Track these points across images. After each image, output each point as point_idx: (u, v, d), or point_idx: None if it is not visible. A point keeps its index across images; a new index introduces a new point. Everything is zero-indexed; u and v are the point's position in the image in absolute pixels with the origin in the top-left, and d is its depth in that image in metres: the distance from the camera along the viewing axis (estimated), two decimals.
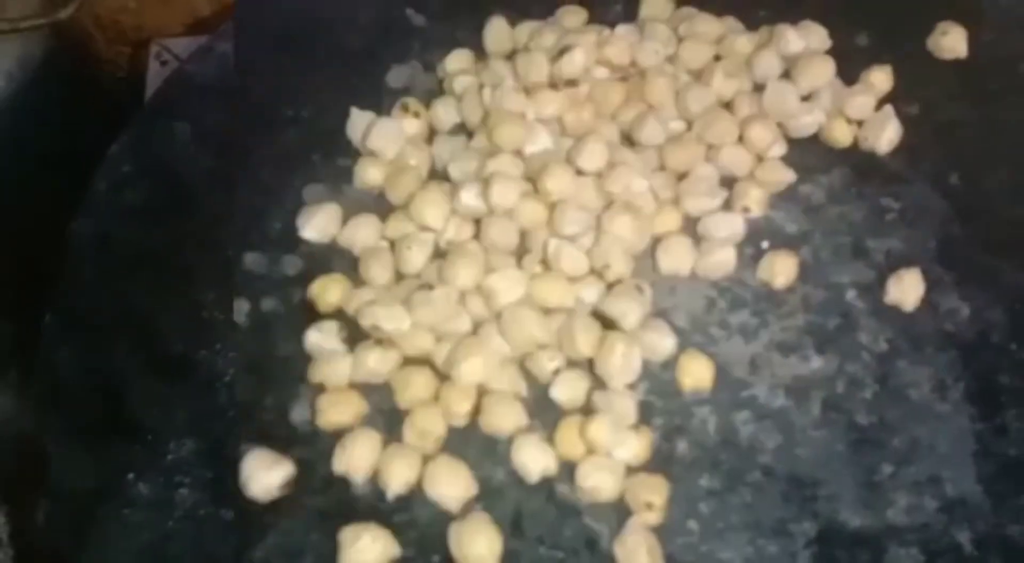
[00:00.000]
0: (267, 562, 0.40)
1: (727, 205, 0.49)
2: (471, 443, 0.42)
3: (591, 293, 0.46)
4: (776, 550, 0.40)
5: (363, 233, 0.47)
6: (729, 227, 0.48)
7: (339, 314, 0.45)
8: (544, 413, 0.43)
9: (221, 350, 0.46)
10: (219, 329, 0.46)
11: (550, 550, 0.40)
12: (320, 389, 0.43)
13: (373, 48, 0.54)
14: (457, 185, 0.48)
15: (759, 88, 0.52)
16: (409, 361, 0.44)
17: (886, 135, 0.50)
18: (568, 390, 0.43)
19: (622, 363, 0.43)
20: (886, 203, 0.50)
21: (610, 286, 0.46)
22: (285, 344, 0.45)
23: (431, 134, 0.52)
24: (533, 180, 0.48)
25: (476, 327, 0.44)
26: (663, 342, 0.45)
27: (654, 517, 0.40)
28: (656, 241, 0.48)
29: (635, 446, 0.41)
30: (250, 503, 0.41)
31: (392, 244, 0.47)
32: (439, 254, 0.47)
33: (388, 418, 0.43)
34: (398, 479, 0.40)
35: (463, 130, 0.52)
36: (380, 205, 0.49)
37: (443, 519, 0.40)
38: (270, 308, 0.46)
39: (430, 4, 0.56)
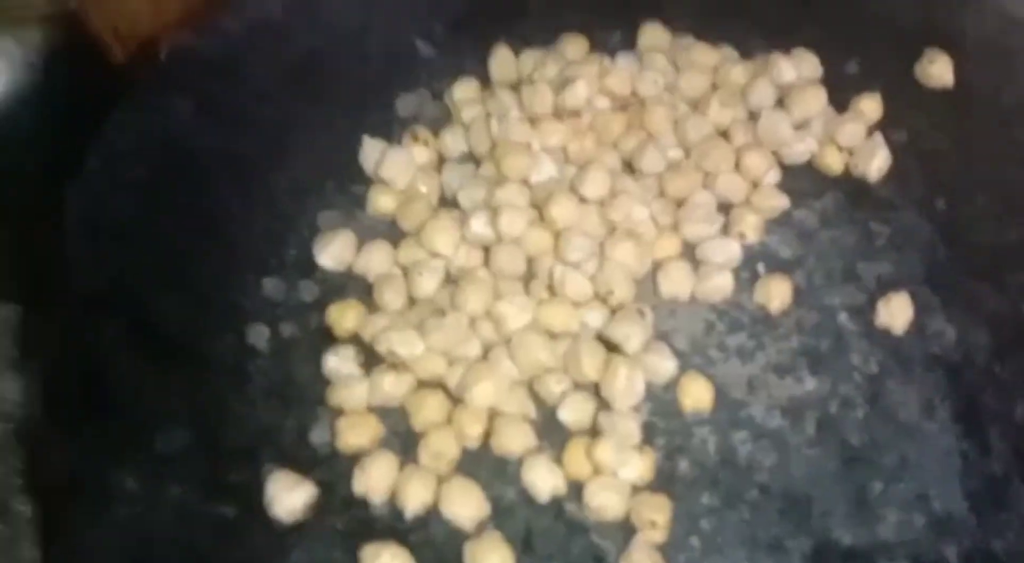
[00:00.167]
0: None
1: (724, 230, 0.51)
2: (483, 464, 0.44)
3: (595, 317, 0.48)
4: None
5: (377, 259, 0.49)
6: (726, 252, 0.50)
7: (355, 339, 0.47)
8: (552, 434, 0.45)
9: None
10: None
11: None
12: (338, 412, 0.45)
13: (382, 77, 0.56)
14: (466, 213, 0.50)
15: (754, 116, 0.54)
16: (423, 384, 0.46)
17: (875, 162, 0.53)
18: (575, 412, 0.45)
19: (626, 386, 0.45)
20: (876, 228, 0.52)
21: (613, 311, 0.48)
22: (304, 368, 0.46)
23: (440, 161, 0.54)
24: (539, 208, 0.50)
25: (486, 351, 0.46)
26: (664, 365, 0.47)
27: (658, 535, 0.42)
28: (657, 266, 0.50)
29: (639, 466, 0.44)
30: (261, 516, 0.42)
31: (404, 270, 0.49)
32: (450, 280, 0.49)
33: (403, 440, 0.45)
34: (415, 500, 0.42)
35: (471, 158, 0.53)
36: (393, 231, 0.51)
37: (458, 538, 0.42)
38: (289, 333, 0.48)
39: (437, 34, 0.58)
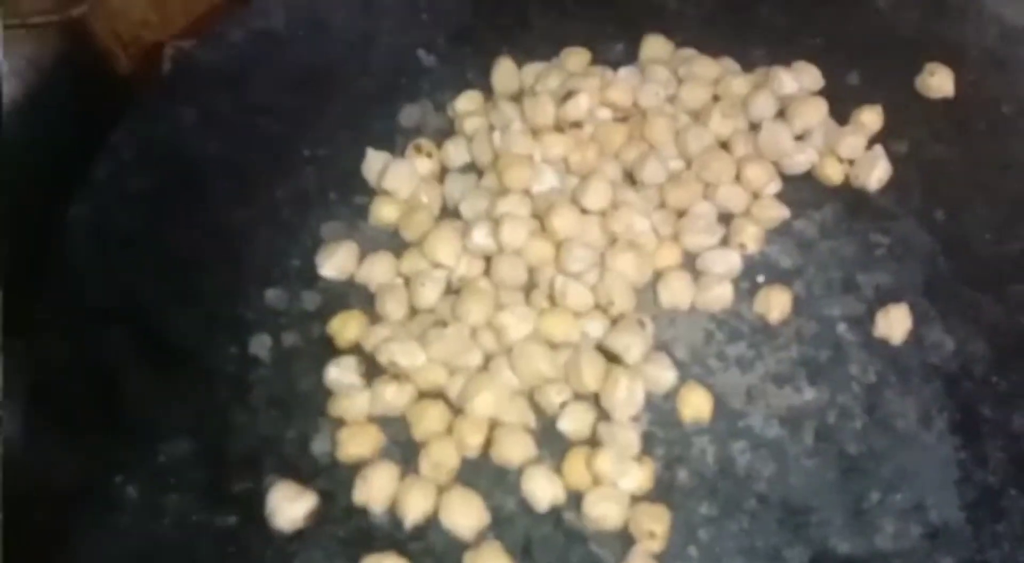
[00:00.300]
0: None
1: (725, 241, 0.51)
2: (483, 473, 0.44)
3: (596, 328, 0.48)
4: None
5: (379, 270, 0.50)
6: (726, 263, 0.51)
7: (357, 349, 0.48)
8: (552, 444, 0.45)
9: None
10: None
11: None
12: (340, 422, 0.45)
13: (385, 88, 0.57)
14: (468, 224, 0.51)
15: (755, 127, 0.54)
16: (424, 394, 0.46)
17: (876, 173, 0.53)
18: (575, 422, 0.45)
19: (626, 396, 0.45)
20: (875, 239, 0.52)
21: (614, 321, 0.48)
22: (306, 378, 0.47)
23: (443, 172, 0.54)
24: (540, 218, 0.50)
25: (487, 361, 0.47)
26: (664, 375, 0.47)
27: (656, 545, 0.42)
28: (657, 276, 0.50)
29: (638, 476, 0.44)
30: (263, 525, 0.42)
31: (407, 280, 0.50)
32: (452, 290, 0.49)
33: (404, 449, 0.45)
34: (415, 509, 0.43)
35: (473, 169, 0.54)
36: (395, 241, 0.52)
37: (458, 547, 0.42)
38: (291, 343, 0.48)
39: (439, 45, 0.58)
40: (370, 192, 0.53)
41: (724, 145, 0.54)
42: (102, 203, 0.51)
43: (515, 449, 0.44)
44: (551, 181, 0.52)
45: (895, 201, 0.53)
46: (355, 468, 0.44)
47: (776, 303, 0.49)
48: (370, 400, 0.45)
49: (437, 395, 0.46)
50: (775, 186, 0.53)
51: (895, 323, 0.49)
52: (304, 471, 0.44)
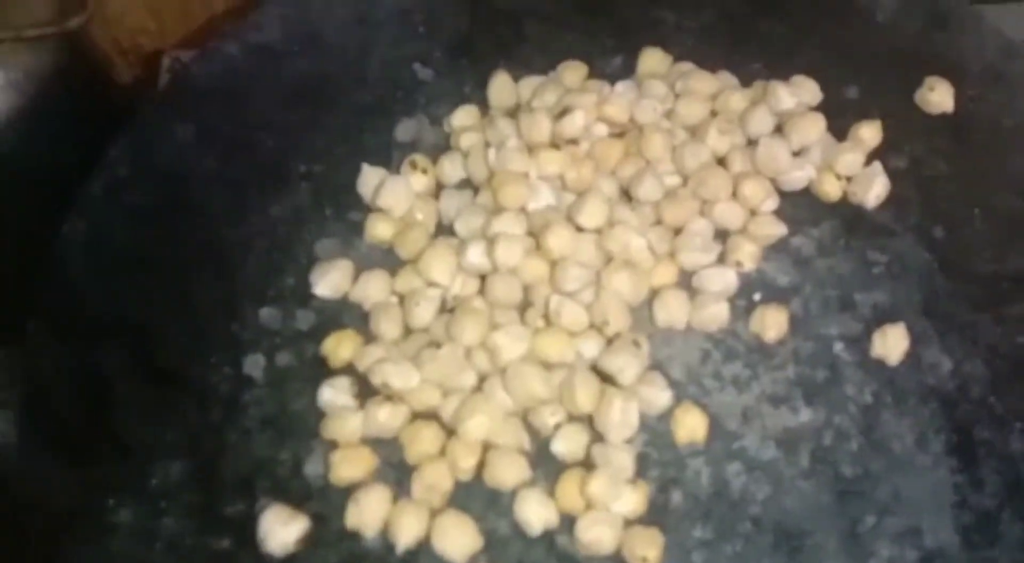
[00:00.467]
0: None
1: (721, 259, 0.51)
2: (476, 496, 0.44)
3: (591, 347, 0.48)
4: None
5: (374, 289, 0.49)
6: (722, 281, 0.50)
7: (351, 369, 0.47)
8: (546, 465, 0.45)
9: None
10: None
11: None
12: (333, 444, 0.45)
13: (381, 103, 0.56)
14: (463, 242, 0.50)
15: (753, 143, 0.54)
16: (418, 416, 0.46)
17: (874, 191, 0.52)
18: (569, 444, 0.45)
19: (620, 419, 0.45)
20: (873, 257, 0.52)
21: (609, 340, 0.48)
22: (299, 399, 0.47)
23: (439, 187, 0.54)
24: (536, 236, 0.50)
25: (481, 382, 0.47)
26: (659, 396, 0.47)
27: None
28: (653, 294, 0.50)
29: (632, 500, 0.44)
30: (255, 549, 0.42)
31: (401, 299, 0.49)
32: (446, 309, 0.49)
33: (398, 471, 0.45)
34: (407, 533, 0.42)
35: (469, 185, 0.54)
36: (391, 258, 0.51)
37: None
38: (284, 363, 0.48)
39: (436, 59, 0.58)
40: (366, 208, 0.53)
41: (721, 161, 0.54)
42: (97, 219, 0.51)
43: (508, 472, 0.44)
44: (547, 199, 0.51)
45: (893, 218, 0.53)
46: (348, 491, 0.44)
47: (772, 322, 0.49)
48: (363, 422, 0.45)
49: (431, 416, 0.46)
50: (772, 203, 0.53)
51: (892, 343, 0.48)
52: (297, 493, 0.44)
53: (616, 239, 0.50)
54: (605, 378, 0.47)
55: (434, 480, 0.44)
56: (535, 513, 0.43)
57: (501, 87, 0.56)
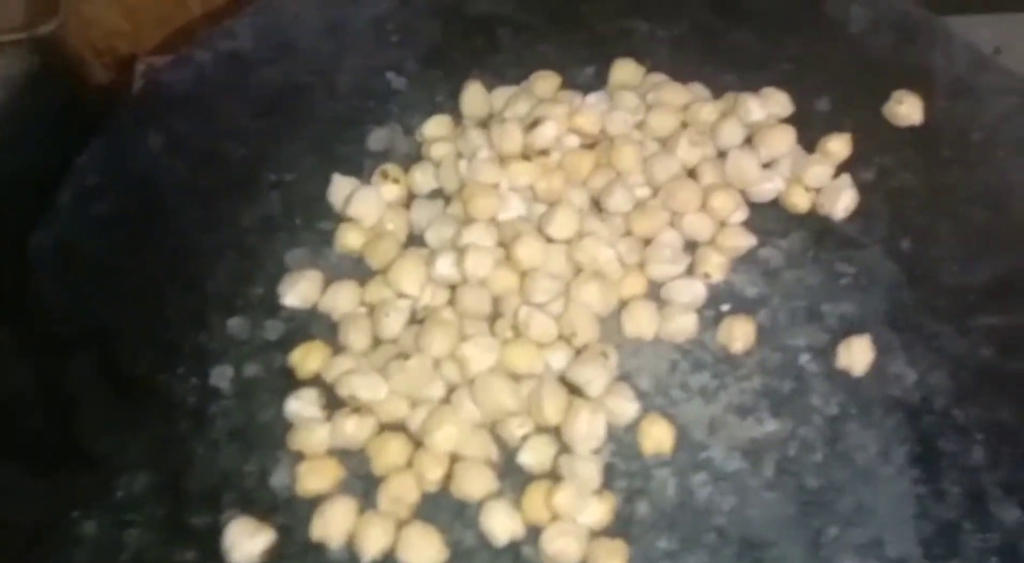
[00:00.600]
0: None
1: (690, 270, 0.51)
2: (442, 507, 0.45)
3: (559, 359, 0.48)
4: None
5: (343, 299, 0.50)
6: (691, 293, 0.51)
7: (318, 380, 0.47)
8: (513, 476, 0.45)
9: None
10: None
11: None
12: (299, 456, 0.45)
13: (353, 112, 0.56)
14: (433, 253, 0.50)
15: (723, 154, 0.54)
16: (385, 427, 0.46)
17: (841, 202, 0.53)
18: (536, 455, 0.45)
19: (587, 430, 0.45)
20: (841, 268, 0.52)
21: (578, 351, 0.48)
22: (266, 410, 0.47)
23: (410, 197, 0.54)
24: (506, 247, 0.50)
25: (450, 393, 0.47)
26: (627, 408, 0.47)
27: None
28: (622, 304, 0.50)
29: (598, 511, 0.44)
30: (221, 561, 0.43)
31: (370, 309, 0.50)
32: (416, 320, 0.49)
33: (365, 483, 0.45)
34: (373, 545, 0.43)
35: (441, 195, 0.54)
36: (361, 268, 0.51)
37: None
38: (252, 374, 0.48)
39: (409, 67, 0.58)
40: (336, 218, 0.53)
41: (691, 173, 0.54)
42: (65, 229, 0.51)
43: (475, 484, 0.44)
44: (518, 209, 0.52)
45: (862, 230, 0.53)
46: (314, 502, 0.44)
47: (740, 333, 0.49)
48: (330, 433, 0.45)
49: (398, 428, 0.46)
50: (741, 214, 0.53)
51: (857, 355, 0.49)
52: (263, 505, 0.44)
53: (585, 250, 0.50)
54: (573, 389, 0.47)
55: (401, 492, 0.44)
56: (501, 524, 0.43)
57: (474, 97, 0.56)
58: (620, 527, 0.44)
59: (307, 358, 0.47)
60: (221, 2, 0.75)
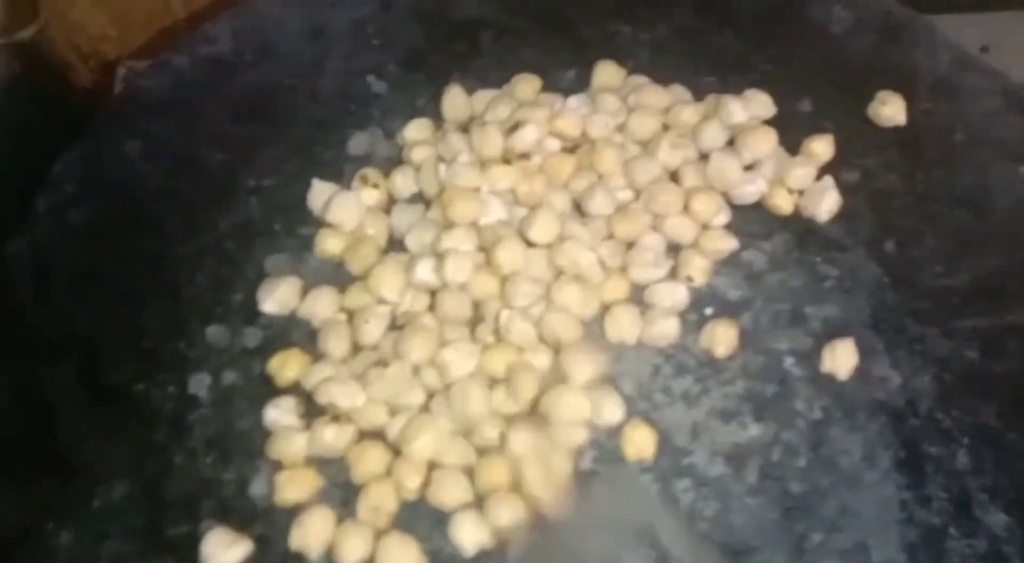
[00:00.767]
0: None
1: (673, 273, 0.51)
2: (421, 515, 0.44)
3: (541, 362, 0.48)
4: None
5: (322, 305, 0.49)
6: (673, 297, 0.50)
7: (298, 387, 0.47)
8: None
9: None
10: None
11: None
12: (278, 465, 0.45)
13: (334, 116, 0.56)
14: (413, 258, 0.50)
15: (705, 157, 0.54)
16: (364, 435, 0.46)
17: (824, 204, 0.53)
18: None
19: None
20: (824, 270, 0.52)
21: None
22: (245, 418, 0.46)
23: (391, 202, 0.54)
24: (486, 251, 0.50)
25: (429, 400, 0.46)
26: (613, 413, 0.47)
27: None
28: (605, 308, 0.50)
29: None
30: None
31: (350, 316, 0.49)
32: (396, 325, 0.49)
33: (344, 491, 0.45)
34: (351, 555, 0.42)
35: (421, 199, 0.53)
36: (341, 274, 0.51)
37: None
38: (231, 381, 0.48)
39: (390, 71, 0.58)
40: (316, 223, 0.53)
41: (673, 175, 0.54)
42: (42, 235, 0.50)
43: (451, 493, 0.44)
44: (498, 213, 0.51)
45: (845, 232, 0.53)
46: (292, 512, 0.43)
47: (722, 339, 0.49)
48: (309, 442, 0.45)
49: (378, 436, 0.46)
50: (724, 217, 0.53)
51: (841, 358, 0.48)
52: (241, 515, 0.44)
53: (567, 254, 0.50)
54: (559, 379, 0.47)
55: (379, 501, 0.43)
56: (468, 535, 0.43)
57: (455, 100, 0.56)
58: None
59: (285, 366, 0.47)
60: (206, 4, 0.74)
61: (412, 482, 0.44)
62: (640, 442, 0.46)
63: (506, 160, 0.53)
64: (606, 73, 0.57)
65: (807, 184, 0.53)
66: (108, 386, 0.47)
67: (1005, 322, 0.49)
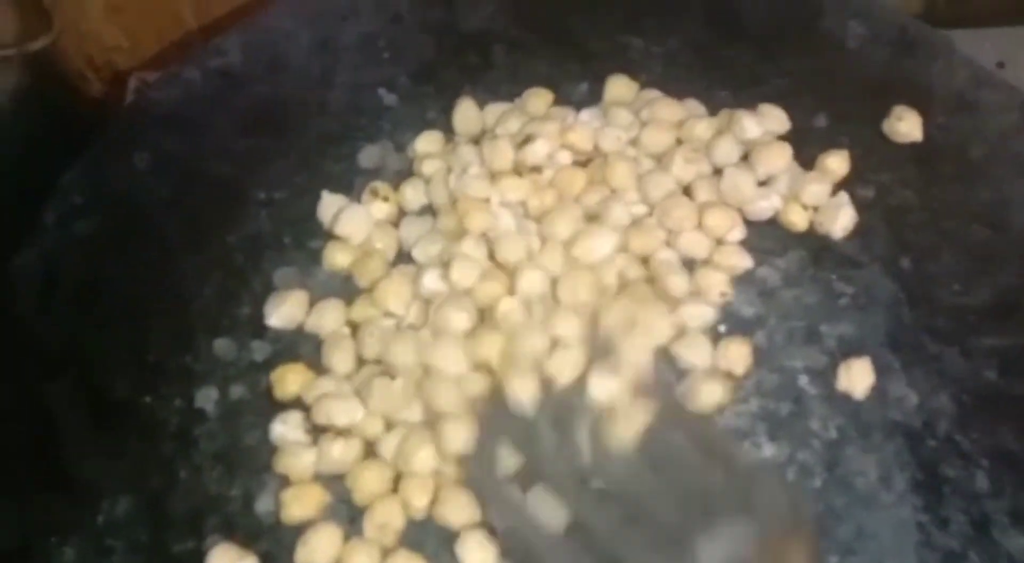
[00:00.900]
0: None
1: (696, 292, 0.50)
2: (429, 533, 0.43)
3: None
4: None
5: (329, 319, 0.49)
6: (702, 315, 0.49)
7: (302, 402, 0.46)
8: None
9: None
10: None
11: None
12: (285, 481, 0.44)
13: (344, 128, 0.56)
14: (421, 268, 0.49)
15: (719, 172, 0.53)
16: (370, 452, 0.45)
17: (840, 222, 0.52)
18: None
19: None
20: (839, 288, 0.51)
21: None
22: (251, 433, 0.46)
23: (401, 215, 0.53)
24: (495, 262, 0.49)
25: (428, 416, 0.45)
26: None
27: None
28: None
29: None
30: None
31: (355, 328, 0.48)
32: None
33: (350, 508, 0.44)
34: None
35: (431, 211, 0.53)
36: (350, 287, 0.51)
37: None
38: (238, 395, 0.47)
39: (401, 84, 0.57)
40: (326, 236, 0.52)
41: (686, 190, 0.53)
42: (49, 248, 0.50)
43: (458, 512, 0.43)
44: (508, 225, 0.51)
45: (860, 248, 0.52)
46: (299, 529, 0.43)
47: (736, 358, 0.48)
48: (317, 458, 0.44)
49: (377, 455, 0.45)
50: (738, 233, 0.52)
51: (857, 377, 0.47)
52: (247, 531, 0.43)
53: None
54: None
55: (386, 518, 0.43)
56: (475, 555, 0.42)
57: (466, 113, 0.55)
58: None
59: (285, 379, 0.46)
60: (217, 17, 0.74)
61: (419, 501, 0.43)
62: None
63: (517, 173, 0.52)
64: (618, 86, 0.56)
65: (822, 200, 0.53)
66: (113, 399, 0.47)
67: None
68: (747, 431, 0.47)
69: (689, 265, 0.51)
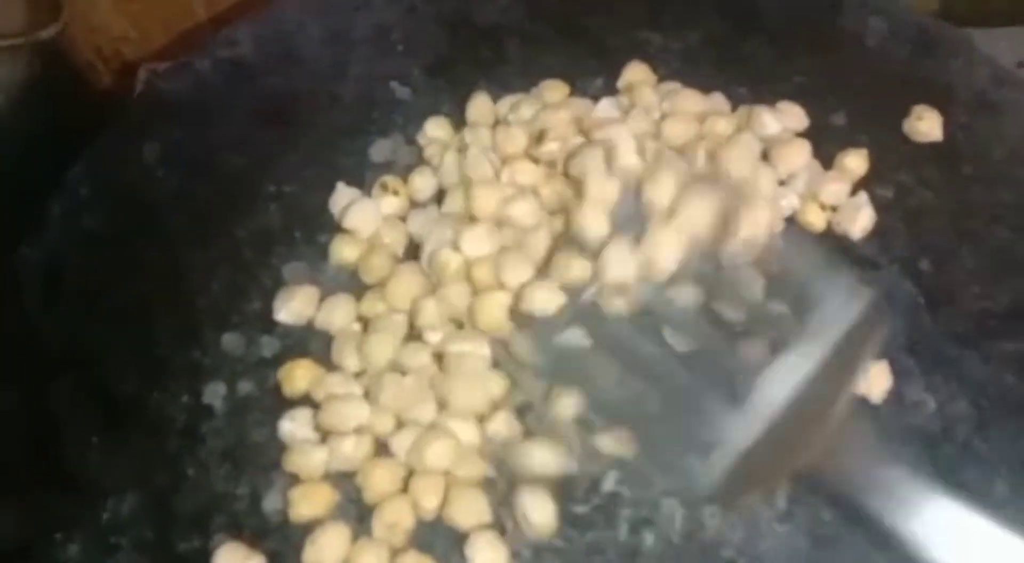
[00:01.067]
0: None
1: None
2: (439, 533, 0.43)
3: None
4: None
5: (339, 314, 0.48)
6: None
7: (311, 399, 0.46)
8: None
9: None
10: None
11: None
12: (293, 478, 0.43)
13: (356, 122, 0.55)
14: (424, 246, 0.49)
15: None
16: (380, 450, 0.44)
17: (859, 222, 0.51)
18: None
19: None
20: None
21: None
22: (260, 430, 0.45)
23: (410, 207, 0.52)
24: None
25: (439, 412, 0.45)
26: None
27: None
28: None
29: None
30: None
31: (365, 324, 0.48)
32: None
33: (359, 507, 0.43)
34: None
35: (439, 200, 0.52)
36: (359, 282, 0.50)
37: None
38: (246, 392, 0.46)
39: (414, 77, 0.57)
40: (336, 230, 0.51)
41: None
42: (55, 242, 0.49)
43: (467, 513, 0.42)
44: (522, 208, 0.50)
45: (879, 250, 0.51)
46: (307, 528, 0.42)
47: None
48: (327, 456, 0.43)
49: (387, 453, 0.44)
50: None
51: (874, 381, 0.47)
52: (254, 530, 0.43)
53: None
54: None
55: (395, 518, 0.42)
56: (482, 554, 0.41)
57: (480, 106, 0.54)
58: (625, 558, 0.43)
59: (292, 376, 0.45)
60: (228, 7, 0.74)
61: (429, 502, 0.42)
62: None
63: (529, 157, 0.51)
64: (636, 74, 0.55)
65: (841, 200, 0.52)
66: (119, 395, 0.46)
67: None
68: None
69: None
